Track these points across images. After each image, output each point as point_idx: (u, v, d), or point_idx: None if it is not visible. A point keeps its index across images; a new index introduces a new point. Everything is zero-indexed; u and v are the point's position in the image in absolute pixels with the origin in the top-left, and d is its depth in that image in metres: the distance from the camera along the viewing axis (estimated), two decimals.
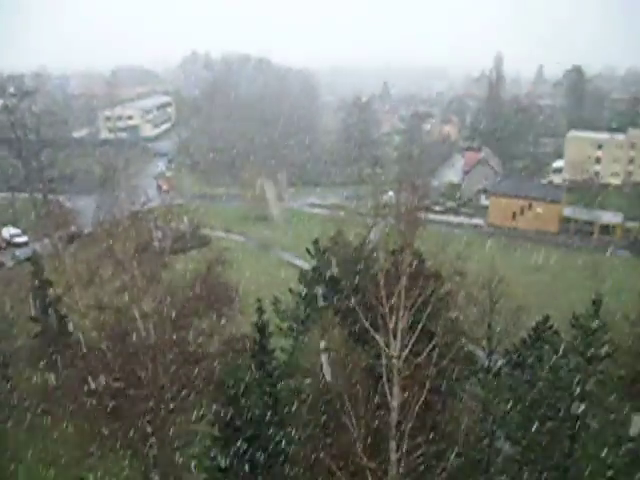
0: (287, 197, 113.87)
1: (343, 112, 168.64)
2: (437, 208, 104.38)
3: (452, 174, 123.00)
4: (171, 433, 32.95)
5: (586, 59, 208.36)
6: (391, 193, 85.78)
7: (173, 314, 35.87)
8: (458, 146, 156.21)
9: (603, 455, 33.41)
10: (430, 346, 28.24)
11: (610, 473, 33.04)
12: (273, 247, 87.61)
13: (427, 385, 26.82)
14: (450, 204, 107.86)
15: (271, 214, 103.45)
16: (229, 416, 29.18)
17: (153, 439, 32.02)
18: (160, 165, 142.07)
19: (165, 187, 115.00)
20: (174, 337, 34.74)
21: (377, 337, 26.70)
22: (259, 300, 34.39)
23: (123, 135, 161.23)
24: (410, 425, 26.41)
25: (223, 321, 41.79)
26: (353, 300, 28.47)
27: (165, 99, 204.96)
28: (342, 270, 41.77)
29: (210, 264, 45.44)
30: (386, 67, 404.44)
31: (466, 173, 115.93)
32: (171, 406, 32.50)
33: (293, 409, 33.85)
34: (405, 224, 26.56)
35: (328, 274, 42.44)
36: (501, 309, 41.45)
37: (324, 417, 32.36)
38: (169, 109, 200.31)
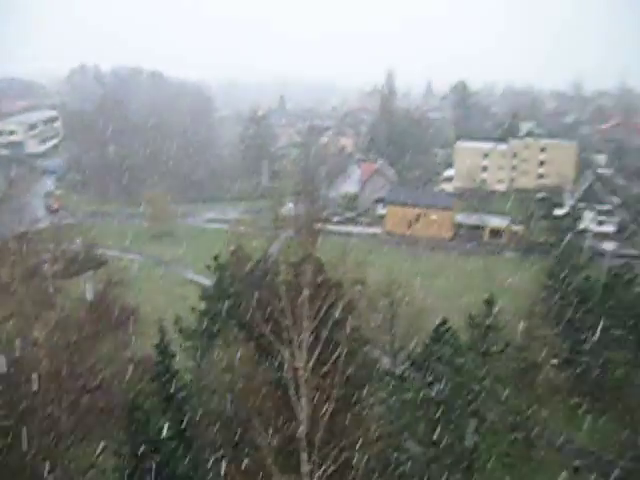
0: (185, 213, 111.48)
1: (240, 126, 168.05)
2: (336, 219, 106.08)
3: (349, 185, 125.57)
4: (72, 469, 30.99)
5: (469, 75, 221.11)
6: (290, 205, 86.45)
7: (68, 341, 33.88)
8: (354, 158, 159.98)
9: (501, 444, 35.23)
10: (335, 355, 28.47)
11: (507, 460, 34.94)
12: (173, 265, 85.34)
13: (334, 394, 26.96)
14: (348, 214, 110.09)
15: (170, 231, 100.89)
16: (134, 444, 27.91)
17: (51, 478, 29.92)
18: (49, 183, 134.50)
19: (55, 206, 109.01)
20: (69, 365, 32.77)
21: (282, 349, 26.55)
22: (160, 320, 33.33)
23: (5, 152, 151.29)
24: (320, 435, 26.42)
25: (122, 345, 40.07)
26: (256, 314, 28.14)
27: (52, 113, 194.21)
28: (244, 284, 41.40)
29: (107, 286, 43.48)
30: (282, 82, 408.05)
31: (363, 184, 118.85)
32: (69, 440, 30.57)
33: (201, 430, 32.94)
34: (305, 236, 26.72)
35: (230, 289, 41.90)
36: (402, 314, 42.81)
37: (234, 435, 31.74)
38: (56, 124, 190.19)
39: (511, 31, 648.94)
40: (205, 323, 41.83)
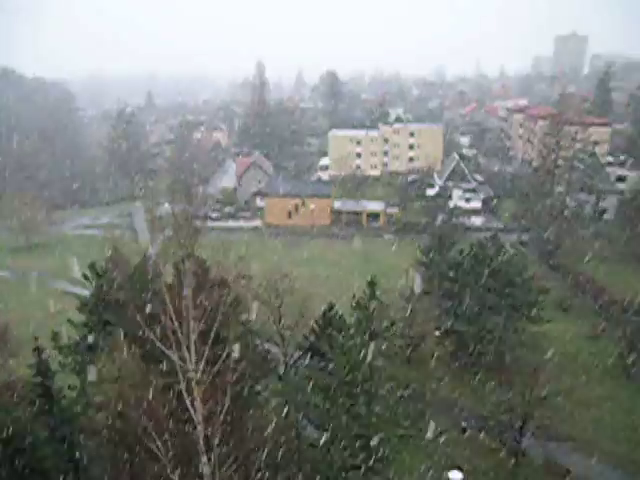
0: (57, 221, 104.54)
1: (108, 125, 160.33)
2: (215, 215, 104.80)
3: (226, 180, 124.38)
4: None
5: (339, 65, 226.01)
6: (167, 205, 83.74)
7: None
8: (230, 152, 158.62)
9: (392, 417, 36.71)
10: (226, 353, 28.21)
11: (401, 432, 36.52)
12: (47, 277, 79.90)
13: (228, 392, 26.72)
14: (228, 209, 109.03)
15: (40, 241, 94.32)
16: (18, 473, 25.98)
17: None
18: None
19: None
20: None
21: (170, 353, 25.85)
22: (35, 338, 31.17)
23: None
24: (218, 435, 26.11)
25: None
26: (140, 320, 27.13)
27: None
28: (125, 291, 39.73)
29: None
30: (151, 76, 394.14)
31: (240, 178, 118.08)
32: None
33: (93, 448, 31.36)
34: (184, 235, 26.06)
35: (110, 297, 40.00)
36: (289, 304, 43.17)
37: (128, 449, 30.50)
38: None
39: (376, 21, 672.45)
40: (85, 336, 39.65)
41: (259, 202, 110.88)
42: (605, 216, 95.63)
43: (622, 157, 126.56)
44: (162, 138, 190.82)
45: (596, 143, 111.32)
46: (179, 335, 25.40)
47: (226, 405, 26.19)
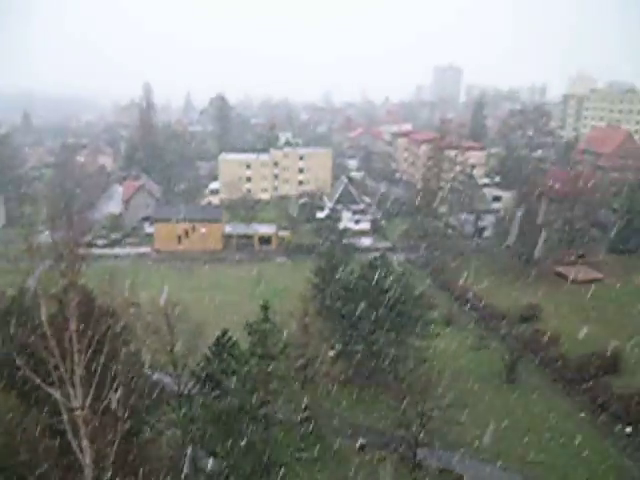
0: None
1: None
2: (101, 242, 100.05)
3: (112, 205, 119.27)
4: None
5: (229, 89, 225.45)
6: (47, 232, 78.90)
7: None
8: (116, 176, 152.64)
9: (291, 441, 36.60)
10: (114, 387, 26.78)
11: (301, 455, 36.48)
12: None
13: (119, 429, 25.36)
14: (114, 236, 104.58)
15: None
16: None
17: None
18: None
19: None
20: None
21: (52, 391, 24.14)
22: None
23: None
24: (109, 476, 24.62)
25: None
26: (18, 357, 25.17)
27: None
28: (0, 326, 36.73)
29: None
30: (26, 95, 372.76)
31: (126, 203, 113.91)
32: None
33: None
34: (66, 263, 24.64)
35: None
36: (181, 332, 41.94)
37: None
38: None
39: (265, 47, 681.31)
40: None
41: (148, 228, 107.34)
42: (485, 233, 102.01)
43: (497, 178, 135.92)
44: (41, 161, 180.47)
45: (474, 166, 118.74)
46: (62, 371, 23.83)
47: (116, 443, 24.84)
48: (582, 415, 48.98)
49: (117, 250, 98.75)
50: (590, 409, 49.54)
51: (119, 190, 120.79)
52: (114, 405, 26.03)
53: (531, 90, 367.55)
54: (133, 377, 31.53)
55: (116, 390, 26.57)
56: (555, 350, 56.92)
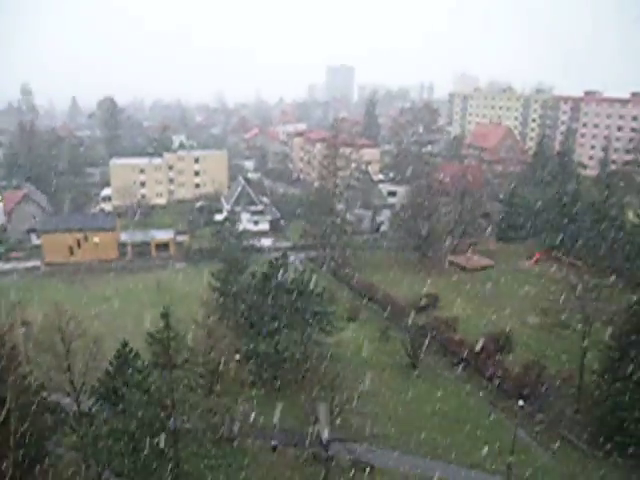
0: None
1: None
2: None
3: None
4: None
5: (117, 91, 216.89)
6: None
7: None
8: None
9: (198, 448, 35.81)
10: (3, 413, 25.02)
11: (211, 462, 35.82)
12: None
13: (13, 456, 23.73)
14: None
15: None
16: None
17: None
18: None
19: None
20: None
21: None
22: None
23: None
24: None
25: None
26: None
27: None
28: None
29: None
30: None
31: (9, 214, 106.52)
32: None
33: None
34: None
35: None
36: (78, 348, 39.93)
37: None
38: None
39: (152, 50, 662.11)
40: None
41: (35, 240, 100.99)
42: (382, 228, 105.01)
43: (391, 174, 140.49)
44: None
45: (368, 163, 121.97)
46: None
47: (9, 474, 23.22)
48: (480, 394, 51.73)
49: (1, 265, 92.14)
50: (486, 388, 52.49)
51: None
52: (5, 434, 24.33)
53: (420, 88, 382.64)
54: (25, 402, 29.57)
55: (7, 417, 24.83)
56: (453, 335, 59.73)
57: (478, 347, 54.48)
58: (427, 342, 57.37)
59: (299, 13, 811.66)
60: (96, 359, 40.46)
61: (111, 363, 40.55)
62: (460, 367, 55.90)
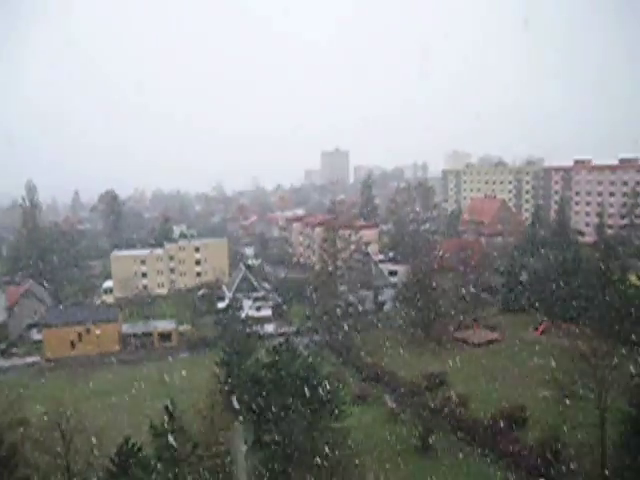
0: None
1: None
2: None
3: None
4: None
5: (117, 184, 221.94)
6: None
7: None
8: None
9: None
10: None
11: None
12: None
13: None
14: None
15: None
16: None
17: None
18: None
19: None
20: None
21: None
22: None
23: None
24: None
25: None
26: None
27: None
28: None
29: None
30: None
31: (11, 309, 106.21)
32: None
33: None
34: None
35: None
36: (78, 445, 38.66)
37: None
38: None
39: (150, 140, 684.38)
40: None
41: (36, 335, 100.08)
42: (385, 307, 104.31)
43: (391, 254, 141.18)
44: None
45: (368, 243, 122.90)
46: None
47: None
48: (498, 474, 49.53)
49: (1, 362, 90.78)
50: (503, 466, 50.29)
51: (2, 297, 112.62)
52: None
53: (414, 168, 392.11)
54: None
55: None
56: (464, 413, 57.91)
57: (492, 424, 52.74)
58: (438, 422, 55.58)
59: (291, 103, 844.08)
60: (97, 456, 39.07)
61: (112, 460, 39.09)
62: (473, 446, 53.87)
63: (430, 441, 54.47)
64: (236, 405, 54.27)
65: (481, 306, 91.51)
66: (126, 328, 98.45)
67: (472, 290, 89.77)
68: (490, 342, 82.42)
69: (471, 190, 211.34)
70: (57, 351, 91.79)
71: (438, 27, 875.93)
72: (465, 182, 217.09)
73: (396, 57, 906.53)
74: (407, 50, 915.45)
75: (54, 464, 37.41)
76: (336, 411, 52.55)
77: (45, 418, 39.50)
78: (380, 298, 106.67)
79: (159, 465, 35.70)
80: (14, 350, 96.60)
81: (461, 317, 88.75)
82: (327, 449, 49.40)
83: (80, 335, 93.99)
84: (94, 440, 39.56)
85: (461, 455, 53.48)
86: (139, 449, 39.81)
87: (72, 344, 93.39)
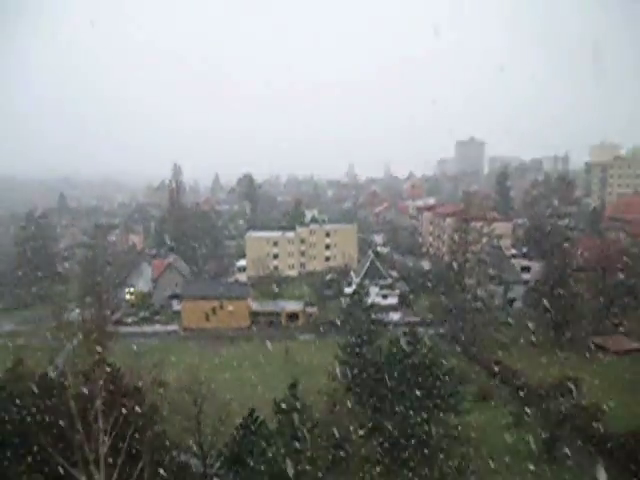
0: None
1: (15, 227, 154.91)
2: (130, 320, 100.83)
3: (142, 283, 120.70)
4: None
5: (255, 168, 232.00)
6: (77, 310, 79.98)
7: None
8: (145, 255, 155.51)
9: None
10: (139, 467, 26.17)
11: None
12: None
13: None
14: (143, 314, 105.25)
15: None
16: None
17: None
18: None
19: None
20: None
21: (76, 473, 23.65)
22: None
23: None
24: None
25: None
26: (43, 437, 24.86)
27: None
28: (26, 404, 36.55)
29: None
30: (64, 180, 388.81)
31: (155, 281, 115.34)
32: None
33: None
34: (95, 341, 24.78)
35: (9, 413, 36.57)
36: (208, 411, 41.24)
37: None
38: None
39: (291, 127, 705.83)
40: None
41: (176, 305, 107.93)
42: (515, 305, 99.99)
43: (524, 249, 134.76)
44: (75, 241, 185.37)
45: (500, 237, 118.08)
46: (86, 450, 23.43)
47: None
48: None
49: (145, 328, 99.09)
50: None
51: (148, 269, 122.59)
52: None
53: (554, 160, 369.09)
54: (158, 458, 30.74)
55: (141, 471, 25.94)
56: (596, 426, 54.11)
57: (630, 441, 48.92)
58: (567, 431, 52.53)
59: (426, 90, 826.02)
60: (224, 424, 41.42)
61: (237, 429, 41.27)
62: (604, 463, 50.25)
63: (556, 450, 51.67)
64: (357, 390, 55.05)
65: (623, 312, 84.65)
66: (256, 306, 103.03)
67: (614, 293, 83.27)
68: (630, 351, 76.19)
69: (618, 185, 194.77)
70: (193, 322, 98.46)
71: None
72: (612, 176, 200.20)
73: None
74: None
75: (187, 426, 40.31)
76: (457, 406, 51.52)
77: (180, 383, 42.53)
78: (510, 295, 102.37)
79: (279, 439, 37.10)
80: (157, 318, 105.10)
81: (600, 322, 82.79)
82: (444, 444, 48.70)
83: (214, 309, 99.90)
84: (222, 408, 41.93)
85: (587, 469, 50.24)
86: (262, 422, 41.68)
87: (207, 316, 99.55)
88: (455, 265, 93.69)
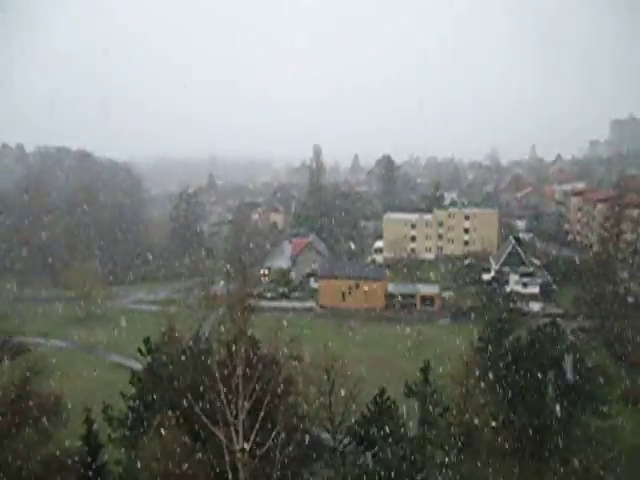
0: (114, 294, 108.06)
1: (171, 205, 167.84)
2: (269, 294, 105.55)
3: (281, 260, 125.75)
4: None
5: (394, 150, 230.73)
6: (222, 283, 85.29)
7: None
8: (285, 233, 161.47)
9: None
10: (274, 434, 27.64)
11: None
12: (101, 349, 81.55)
13: (275, 475, 25.99)
14: (281, 290, 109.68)
15: (97, 314, 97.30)
16: None
17: None
18: None
19: None
20: None
21: (217, 432, 25.53)
22: (87, 409, 31.46)
23: None
24: None
25: (44, 437, 37.26)
26: (190, 397, 27.06)
27: None
28: (176, 367, 39.93)
29: (25, 375, 40.78)
30: (211, 160, 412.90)
31: (294, 259, 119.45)
32: None
33: None
34: (237, 313, 26.39)
35: (162, 373, 40.24)
36: (340, 387, 42.30)
37: None
38: None
39: (431, 108, 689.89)
40: (135, 409, 39.76)
41: (313, 283, 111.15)
42: None
43: None
44: (221, 218, 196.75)
45: None
46: (227, 413, 25.17)
47: None
48: None
49: (284, 303, 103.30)
50: None
51: (288, 246, 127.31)
52: (272, 453, 26.78)
53: None
54: (291, 427, 32.19)
55: (276, 437, 27.37)
56: None
57: None
58: None
59: (580, 68, 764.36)
60: (356, 401, 42.28)
61: (369, 408, 41.94)
62: None
63: None
64: (491, 380, 53.46)
65: None
66: (391, 287, 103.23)
67: None
68: None
69: None
70: (329, 300, 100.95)
71: None
72: None
73: None
74: None
75: (319, 400, 41.72)
76: (601, 408, 48.28)
77: (315, 358, 43.97)
78: None
79: (409, 422, 37.24)
80: (295, 294, 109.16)
81: None
82: (582, 447, 45.87)
83: (350, 288, 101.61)
84: (354, 386, 42.81)
85: None
86: (392, 403, 42.01)
87: (343, 296, 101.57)
88: (605, 255, 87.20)
